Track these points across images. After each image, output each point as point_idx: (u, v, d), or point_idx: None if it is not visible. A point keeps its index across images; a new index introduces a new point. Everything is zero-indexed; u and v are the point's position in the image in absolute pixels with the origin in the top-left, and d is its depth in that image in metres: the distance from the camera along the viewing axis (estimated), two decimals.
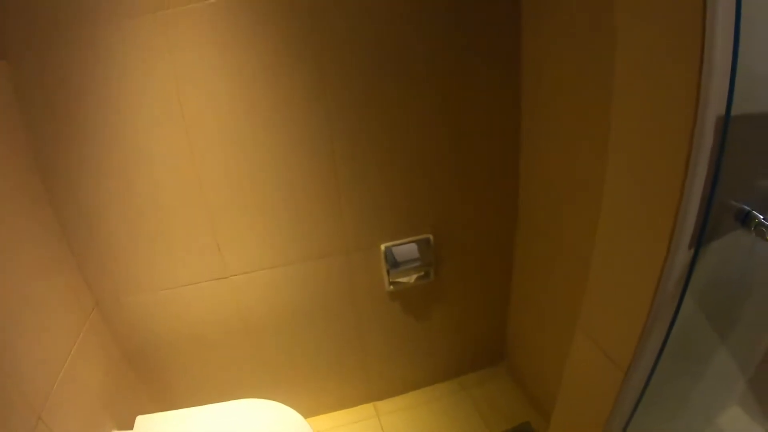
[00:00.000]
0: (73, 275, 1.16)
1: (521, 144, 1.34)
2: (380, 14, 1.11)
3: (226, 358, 1.43)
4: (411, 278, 1.38)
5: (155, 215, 1.18)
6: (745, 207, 0.69)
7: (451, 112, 1.26)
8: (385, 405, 1.69)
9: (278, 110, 1.15)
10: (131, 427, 1.14)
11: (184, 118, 1.10)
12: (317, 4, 1.07)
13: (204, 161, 1.16)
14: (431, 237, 1.36)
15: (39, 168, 1.07)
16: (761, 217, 0.68)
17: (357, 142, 1.23)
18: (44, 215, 1.08)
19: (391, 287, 1.38)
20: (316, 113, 1.17)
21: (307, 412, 1.49)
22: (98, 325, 1.22)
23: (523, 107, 1.29)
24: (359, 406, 1.69)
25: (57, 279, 1.08)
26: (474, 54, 1.20)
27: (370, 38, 1.13)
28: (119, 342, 1.29)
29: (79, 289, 1.17)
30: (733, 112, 0.60)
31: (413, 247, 1.33)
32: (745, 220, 0.69)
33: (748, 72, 0.59)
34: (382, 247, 1.32)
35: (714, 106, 0.59)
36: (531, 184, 1.36)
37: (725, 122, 0.60)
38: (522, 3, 1.21)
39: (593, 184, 1.02)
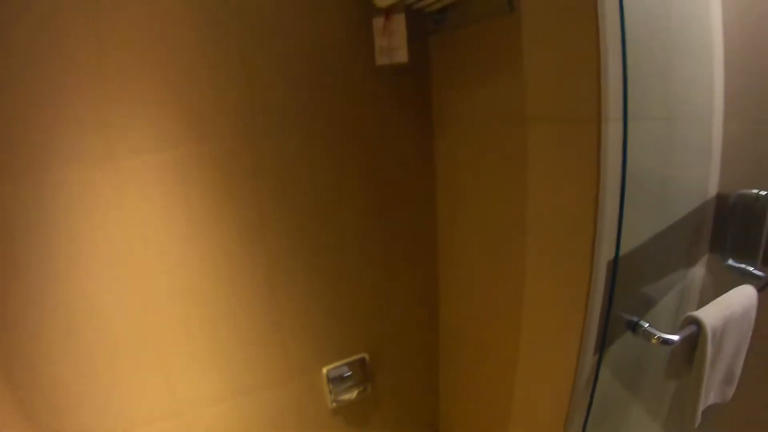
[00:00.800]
0: (19, 424, 1.08)
1: (439, 268, 1.52)
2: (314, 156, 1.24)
3: None
4: (352, 394, 1.49)
5: (103, 359, 1.14)
6: (634, 318, 0.86)
7: (371, 248, 1.39)
8: None
9: (224, 256, 1.21)
10: None
11: (129, 266, 1.10)
12: (259, 156, 1.17)
13: (153, 307, 1.15)
14: (366, 356, 1.49)
15: None
16: (646, 324, 0.85)
17: (296, 277, 1.32)
18: None
19: (334, 404, 1.49)
20: (258, 252, 1.25)
21: None
22: None
23: (439, 236, 1.47)
24: None
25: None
26: (395, 177, 1.37)
27: (307, 177, 1.25)
28: None
29: None
30: (621, 252, 0.77)
31: (351, 366, 1.46)
32: (634, 328, 0.86)
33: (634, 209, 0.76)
34: (324, 370, 1.43)
35: (606, 254, 0.75)
36: (450, 297, 1.52)
37: (614, 265, 0.76)
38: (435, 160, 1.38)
39: (510, 300, 1.14)
